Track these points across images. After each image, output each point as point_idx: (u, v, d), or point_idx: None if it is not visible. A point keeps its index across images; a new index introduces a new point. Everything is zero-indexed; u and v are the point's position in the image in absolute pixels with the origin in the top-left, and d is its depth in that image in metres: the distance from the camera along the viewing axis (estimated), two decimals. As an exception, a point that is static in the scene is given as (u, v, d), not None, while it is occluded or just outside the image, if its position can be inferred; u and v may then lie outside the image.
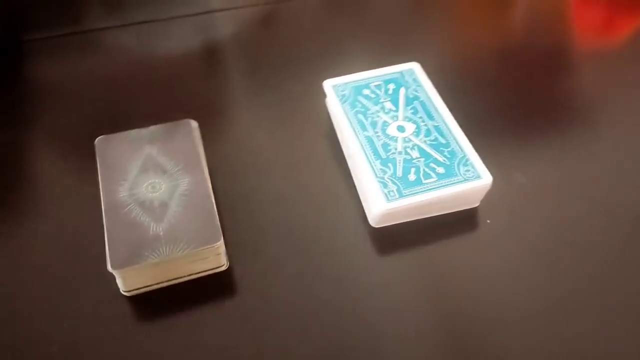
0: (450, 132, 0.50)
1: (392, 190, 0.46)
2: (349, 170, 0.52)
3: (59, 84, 0.60)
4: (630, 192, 0.51)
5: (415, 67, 0.56)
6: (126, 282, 0.43)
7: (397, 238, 0.48)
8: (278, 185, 0.52)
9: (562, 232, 0.48)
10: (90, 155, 0.50)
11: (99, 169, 0.48)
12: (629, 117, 0.57)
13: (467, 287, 0.45)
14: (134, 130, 0.50)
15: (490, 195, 0.49)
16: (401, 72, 0.55)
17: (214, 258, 0.44)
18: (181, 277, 0.45)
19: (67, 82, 0.60)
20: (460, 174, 0.47)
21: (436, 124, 0.51)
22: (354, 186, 0.51)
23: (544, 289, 0.45)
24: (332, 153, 0.54)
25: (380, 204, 0.46)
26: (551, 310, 0.44)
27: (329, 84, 0.54)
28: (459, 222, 0.49)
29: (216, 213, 0.45)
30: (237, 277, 0.46)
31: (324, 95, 0.56)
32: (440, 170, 0.47)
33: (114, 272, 0.42)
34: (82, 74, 0.61)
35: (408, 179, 0.47)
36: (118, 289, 0.44)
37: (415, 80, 0.54)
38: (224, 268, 0.46)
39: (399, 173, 0.47)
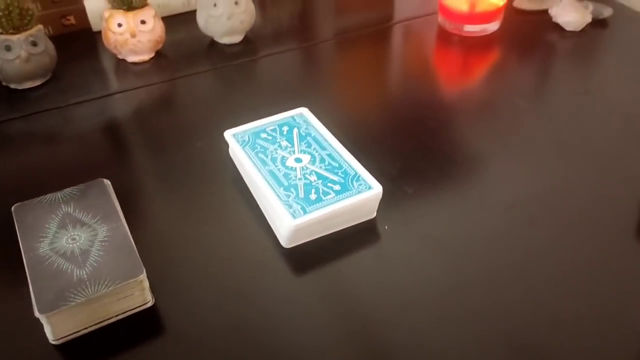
0: (341, 157, 0.57)
1: (297, 210, 0.51)
2: (258, 206, 0.57)
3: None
4: (499, 186, 0.59)
5: (303, 110, 0.63)
6: (55, 328, 0.44)
7: (308, 255, 0.52)
8: (192, 229, 0.55)
9: (448, 228, 0.55)
10: (5, 228, 0.52)
11: (17, 231, 0.50)
12: (487, 135, 0.67)
13: (375, 288, 0.50)
14: (48, 195, 0.53)
15: (384, 207, 0.55)
16: (292, 117, 0.62)
17: (140, 294, 0.47)
18: (109, 318, 0.47)
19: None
20: (354, 187, 0.53)
21: (328, 153, 0.57)
22: (264, 218, 0.56)
23: (443, 276, 0.50)
24: (240, 195, 0.58)
25: (288, 223, 0.50)
26: (451, 294, 0.49)
27: (229, 134, 0.60)
28: (360, 233, 0.54)
29: (136, 251, 0.47)
30: (163, 312, 0.48)
31: (226, 147, 0.62)
32: (337, 187, 0.53)
33: (42, 318, 0.43)
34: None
35: (310, 198, 0.52)
36: (47, 340, 0.45)
37: (305, 121, 0.61)
38: (150, 304, 0.48)
39: (301, 195, 0.53)
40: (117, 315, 0.47)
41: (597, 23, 0.83)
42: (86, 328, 0.46)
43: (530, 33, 0.83)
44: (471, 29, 0.81)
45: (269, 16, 0.90)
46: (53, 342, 0.45)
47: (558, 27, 0.83)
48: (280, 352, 0.45)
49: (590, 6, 0.82)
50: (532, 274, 0.50)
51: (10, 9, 0.70)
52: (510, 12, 0.85)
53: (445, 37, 0.84)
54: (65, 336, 0.45)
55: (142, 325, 0.47)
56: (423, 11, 0.89)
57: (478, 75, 0.78)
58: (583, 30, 0.82)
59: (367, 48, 0.83)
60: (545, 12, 0.85)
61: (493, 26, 0.82)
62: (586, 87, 0.74)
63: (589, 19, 0.81)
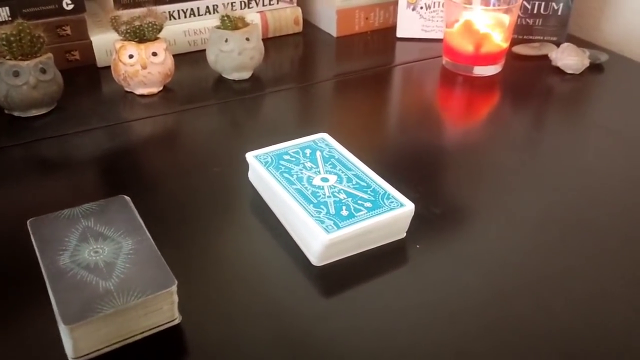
0: (368, 177, 0.56)
1: (330, 225, 0.50)
2: (282, 227, 0.55)
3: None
4: (523, 206, 0.58)
5: (324, 135, 0.62)
6: (77, 344, 0.41)
7: (339, 274, 0.50)
8: (214, 250, 0.53)
9: (480, 246, 0.54)
10: (19, 247, 0.49)
11: (35, 245, 0.47)
12: (505, 162, 0.67)
13: (411, 306, 0.48)
14: (66, 210, 0.50)
15: (413, 228, 0.54)
16: (314, 140, 0.61)
17: (168, 308, 0.44)
18: (134, 335, 0.43)
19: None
20: (385, 205, 0.52)
21: (355, 173, 0.56)
22: (290, 238, 0.54)
23: (480, 291, 0.49)
24: (261, 217, 0.57)
25: (321, 238, 0.49)
26: (489, 307, 0.47)
27: (250, 155, 0.59)
28: (391, 252, 0.53)
29: (165, 263, 0.45)
30: (189, 332, 0.45)
31: (242, 172, 0.61)
32: (368, 204, 0.52)
33: (66, 330, 0.40)
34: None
35: (341, 214, 0.51)
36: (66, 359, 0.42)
37: (327, 144, 0.61)
38: (177, 321, 0.45)
39: (332, 211, 0.51)
40: (142, 333, 0.44)
41: (594, 67, 0.86)
42: (109, 345, 0.42)
43: (531, 75, 0.86)
44: (478, 71, 0.83)
45: (273, 58, 0.91)
46: (73, 361, 0.42)
47: (558, 71, 0.86)
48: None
49: (587, 52, 0.86)
50: (571, 286, 0.49)
51: (22, 34, 0.69)
52: (509, 57, 0.88)
53: (449, 78, 0.85)
54: (87, 354, 0.42)
55: (167, 345, 0.44)
56: (425, 55, 0.91)
57: (489, 109, 0.80)
58: (582, 74, 0.85)
59: (372, 86, 0.84)
60: (542, 58, 0.88)
61: (496, 68, 0.85)
62: (596, 121, 0.75)
63: (587, 63, 0.84)
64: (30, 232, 0.48)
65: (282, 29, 0.98)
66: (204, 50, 0.83)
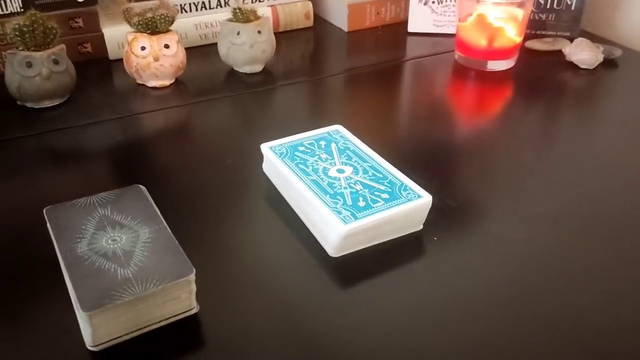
0: (384, 168, 0.55)
1: (347, 215, 0.49)
2: (297, 218, 0.55)
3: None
4: (542, 199, 0.58)
5: (339, 127, 0.62)
6: (96, 331, 0.41)
7: (356, 266, 0.50)
8: (230, 241, 0.53)
9: (498, 238, 0.53)
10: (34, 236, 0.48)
11: (51, 232, 0.47)
12: (520, 154, 0.66)
13: (431, 299, 0.47)
14: (82, 198, 0.50)
15: (429, 220, 0.54)
16: (328, 132, 0.61)
17: (186, 297, 0.44)
18: (152, 324, 0.43)
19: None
20: (403, 196, 0.52)
21: (370, 165, 0.56)
22: (306, 229, 0.53)
23: (500, 284, 0.48)
24: (277, 208, 0.56)
25: (339, 229, 0.48)
26: (511, 301, 0.47)
27: (265, 146, 0.58)
28: (408, 244, 0.52)
29: (183, 252, 0.45)
30: (206, 322, 0.45)
31: (256, 164, 0.60)
32: (385, 196, 0.52)
33: (84, 318, 0.40)
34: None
35: (358, 205, 0.50)
36: (84, 348, 0.41)
37: (342, 136, 0.60)
38: (195, 311, 0.45)
39: (349, 202, 0.51)
40: (160, 321, 0.43)
41: (608, 63, 0.86)
42: (127, 334, 0.42)
43: (545, 70, 0.85)
44: (491, 65, 0.83)
45: (284, 52, 0.91)
46: (91, 348, 0.41)
47: (571, 66, 0.85)
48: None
49: (601, 47, 0.85)
50: (593, 280, 0.49)
51: (35, 25, 0.69)
52: (522, 52, 0.87)
53: (462, 73, 0.85)
54: (105, 342, 0.41)
55: (184, 334, 0.44)
56: (437, 50, 0.91)
57: (502, 103, 0.79)
58: (595, 69, 0.84)
59: (384, 80, 0.83)
60: (556, 53, 0.88)
61: (510, 63, 0.84)
62: (611, 117, 0.75)
63: (601, 58, 0.84)
64: (47, 220, 0.48)
65: (293, 23, 0.97)
66: (215, 44, 0.83)
